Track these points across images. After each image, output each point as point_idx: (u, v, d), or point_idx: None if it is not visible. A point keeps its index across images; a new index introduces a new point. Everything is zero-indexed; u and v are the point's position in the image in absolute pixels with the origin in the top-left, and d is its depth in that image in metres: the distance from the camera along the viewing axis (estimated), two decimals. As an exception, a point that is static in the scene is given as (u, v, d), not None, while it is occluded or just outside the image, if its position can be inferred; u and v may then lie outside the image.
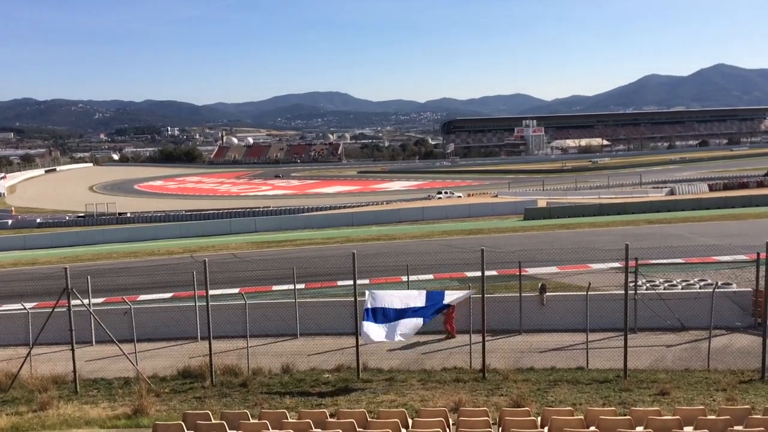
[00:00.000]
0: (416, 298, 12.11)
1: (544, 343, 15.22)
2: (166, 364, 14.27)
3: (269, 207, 66.10)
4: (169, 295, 22.42)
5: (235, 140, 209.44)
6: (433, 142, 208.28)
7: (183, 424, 7.29)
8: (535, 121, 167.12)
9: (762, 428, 5.93)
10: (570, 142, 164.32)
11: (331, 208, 60.69)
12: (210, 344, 12.35)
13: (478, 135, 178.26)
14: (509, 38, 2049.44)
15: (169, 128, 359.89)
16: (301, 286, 21.15)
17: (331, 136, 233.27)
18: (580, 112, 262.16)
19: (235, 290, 21.59)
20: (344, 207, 60.64)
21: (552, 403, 10.01)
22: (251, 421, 7.35)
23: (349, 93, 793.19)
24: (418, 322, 11.89)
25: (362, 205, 63.41)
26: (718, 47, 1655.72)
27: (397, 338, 12.05)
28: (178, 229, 48.50)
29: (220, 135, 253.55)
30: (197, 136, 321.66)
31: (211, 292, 12.76)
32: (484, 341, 12.42)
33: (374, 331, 11.87)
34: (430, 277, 23.43)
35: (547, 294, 17.27)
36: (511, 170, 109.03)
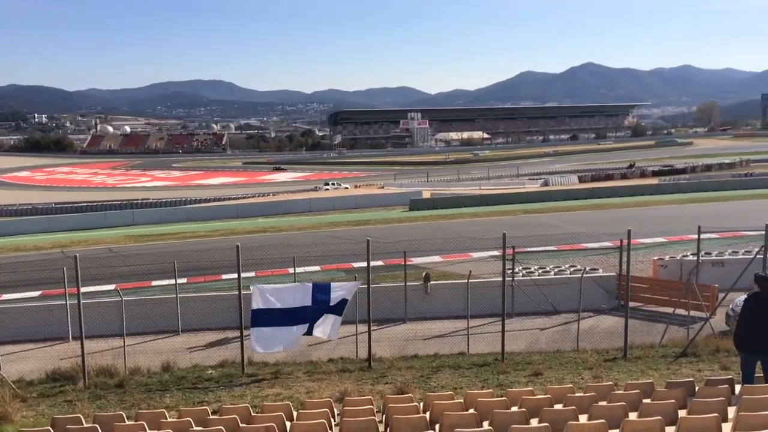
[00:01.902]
0: (303, 293, 11.99)
1: (428, 331, 15.64)
2: (33, 366, 13.32)
3: (149, 199, 63.23)
4: (37, 293, 20.92)
5: (110, 129, 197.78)
6: (320, 134, 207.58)
7: (51, 429, 6.84)
8: (420, 114, 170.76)
9: (623, 402, 6.41)
10: (453, 135, 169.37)
11: (215, 200, 58.99)
12: (82, 343, 11.65)
13: (365, 127, 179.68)
14: (395, 31, 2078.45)
15: (36, 115, 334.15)
16: (183, 280, 20.44)
17: (215, 126, 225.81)
18: (462, 106, 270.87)
19: (111, 286, 20.47)
20: (229, 199, 59.14)
21: (434, 388, 10.31)
22: (127, 423, 7.01)
23: (234, 82, 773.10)
24: (324, 328, 11.83)
25: (248, 197, 62.17)
26: (587, 47, 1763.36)
27: (290, 347, 12.00)
28: (47, 223, 45.20)
29: (93, 123, 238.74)
30: (68, 124, 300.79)
31: (85, 289, 12.05)
32: (369, 331, 12.57)
33: (269, 339, 11.64)
34: (317, 268, 23.39)
35: (431, 283, 17.75)
36: (397, 162, 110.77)
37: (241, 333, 12.07)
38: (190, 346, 14.86)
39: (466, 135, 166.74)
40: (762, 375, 8.21)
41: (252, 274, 21.55)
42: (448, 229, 33.49)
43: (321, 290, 11.97)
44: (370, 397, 7.96)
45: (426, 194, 52.21)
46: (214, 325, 15.94)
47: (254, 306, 11.62)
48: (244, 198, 60.24)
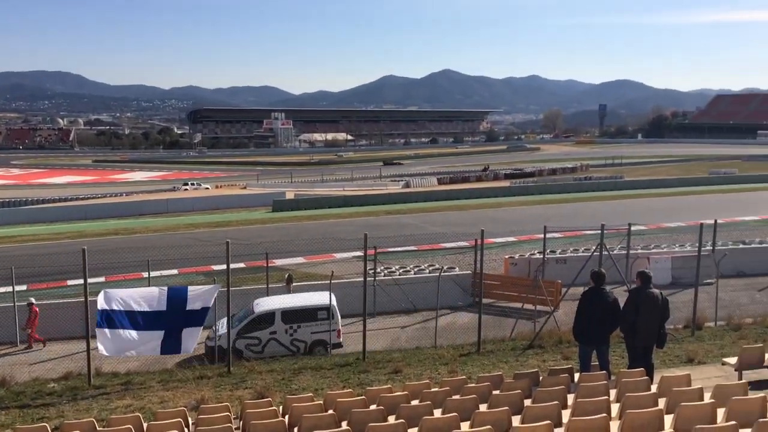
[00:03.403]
0: (157, 297, 11.42)
1: (291, 333, 15.48)
2: None
3: (-18, 199, 57.41)
4: None
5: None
6: (179, 132, 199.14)
7: None
8: (283, 114, 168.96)
9: (474, 395, 6.71)
10: (317, 136, 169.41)
11: (61, 200, 54.69)
12: None
13: (226, 126, 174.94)
14: (258, 30, 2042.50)
15: None
16: (23, 287, 18.85)
17: (61, 120, 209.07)
18: (326, 107, 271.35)
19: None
20: (77, 199, 55.09)
21: (296, 391, 10.22)
22: (-49, 447, 6.31)
23: (82, 74, 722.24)
24: (184, 334, 11.30)
25: (98, 197, 58.35)
26: (446, 55, 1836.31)
27: (149, 351, 11.39)
28: None
29: None
30: None
31: None
32: (229, 336, 12.24)
33: (118, 342, 10.97)
34: (175, 272, 22.46)
35: (293, 284, 17.62)
36: (261, 162, 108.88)
37: (88, 343, 11.26)
38: (30, 359, 13.68)
39: (330, 136, 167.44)
40: (597, 363, 8.94)
41: (102, 279, 20.26)
42: (311, 230, 33.43)
43: (177, 294, 11.46)
44: (227, 403, 7.74)
45: (290, 195, 51.80)
46: (59, 334, 14.80)
47: (100, 307, 10.94)
48: (93, 198, 56.47)
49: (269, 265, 17.71)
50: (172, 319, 11.28)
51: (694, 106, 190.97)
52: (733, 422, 5.03)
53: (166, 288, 11.65)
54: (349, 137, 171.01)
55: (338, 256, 24.20)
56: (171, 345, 11.35)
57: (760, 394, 6.26)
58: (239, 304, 15.13)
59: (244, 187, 65.09)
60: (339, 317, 14.54)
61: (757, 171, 63.51)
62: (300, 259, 24.53)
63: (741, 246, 21.94)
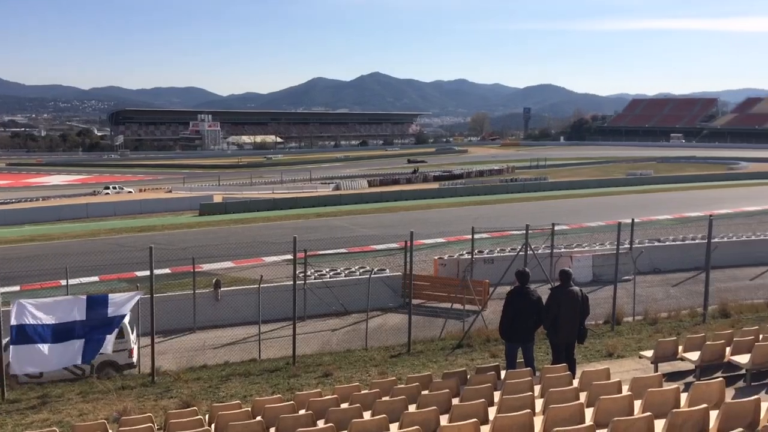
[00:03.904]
0: (75, 306, 10.94)
1: (219, 339, 15.19)
2: None
3: None
4: None
5: None
6: (99, 134, 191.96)
7: None
8: (210, 116, 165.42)
9: (403, 396, 6.75)
10: (246, 138, 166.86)
11: (-30, 205, 51.76)
12: None
13: (150, 127, 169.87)
14: (183, 29, 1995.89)
15: None
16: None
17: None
18: (255, 109, 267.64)
19: None
20: (-12, 204, 52.28)
21: (223, 398, 10.01)
22: None
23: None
24: (96, 345, 10.81)
25: (12, 202, 55.52)
26: (375, 57, 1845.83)
27: (64, 364, 10.88)
28: None
29: None
30: None
31: None
32: (153, 343, 11.86)
33: (29, 357, 10.43)
34: (96, 279, 21.60)
35: (221, 289, 17.29)
36: (187, 165, 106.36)
37: (0, 356, 10.69)
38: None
39: (259, 138, 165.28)
40: (522, 360, 9.18)
41: (16, 288, 19.24)
42: (240, 233, 32.86)
43: (97, 303, 11.02)
44: (150, 414, 7.49)
45: (217, 198, 50.75)
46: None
47: (13, 322, 10.37)
48: (7, 203, 53.69)
49: (196, 270, 17.30)
50: (93, 327, 10.84)
51: (613, 110, 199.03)
52: (649, 413, 5.26)
53: (84, 296, 11.19)
54: (279, 139, 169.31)
55: (268, 259, 23.88)
56: (91, 351, 10.90)
57: (674, 385, 6.56)
58: (164, 311, 14.70)
59: (170, 191, 63.40)
60: (132, 334, 12.96)
61: (670, 172, 66.81)
62: (228, 264, 24.07)
63: (656, 244, 22.97)
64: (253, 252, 24.75)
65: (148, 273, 11.77)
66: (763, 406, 5.67)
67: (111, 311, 10.99)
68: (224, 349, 14.46)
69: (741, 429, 4.63)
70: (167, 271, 21.16)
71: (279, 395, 8.67)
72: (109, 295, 11.43)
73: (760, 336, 9.54)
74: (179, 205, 48.52)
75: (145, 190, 65.15)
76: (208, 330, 15.87)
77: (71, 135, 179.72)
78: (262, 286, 14.86)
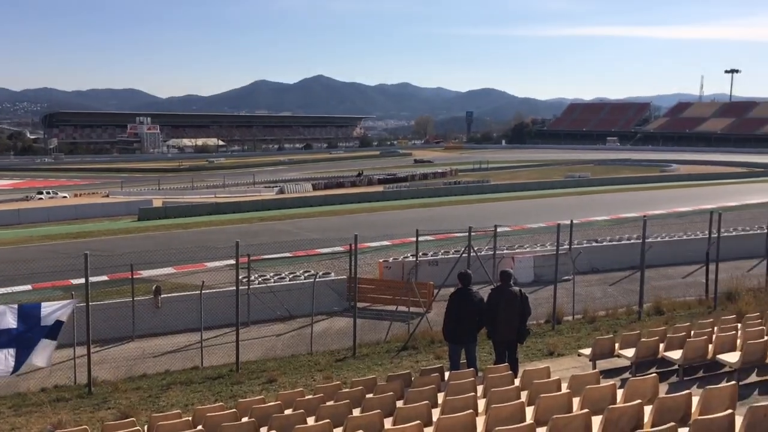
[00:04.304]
0: (6, 316, 10.47)
1: (160, 347, 14.82)
2: None
3: None
4: None
5: None
6: (32, 137, 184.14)
7: None
8: (149, 119, 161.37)
9: (348, 400, 6.73)
10: (187, 141, 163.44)
11: None
12: None
13: (86, 130, 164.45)
14: (120, 30, 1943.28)
15: None
16: None
17: None
18: (196, 112, 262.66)
19: None
20: None
21: (164, 408, 9.77)
22: None
23: None
24: (42, 356, 10.33)
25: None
26: (319, 61, 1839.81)
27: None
28: None
29: None
30: None
31: None
32: (89, 353, 11.47)
33: None
34: (29, 287, 20.73)
35: (162, 296, 16.88)
36: (125, 168, 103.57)
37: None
38: None
39: (200, 142, 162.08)
40: (466, 361, 9.29)
41: (-59, 298, 18.33)
42: (181, 238, 32.18)
43: (29, 311, 10.57)
44: (86, 426, 7.23)
45: (157, 203, 49.53)
46: None
47: None
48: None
49: (135, 276, 16.85)
50: (25, 336, 10.40)
51: (551, 114, 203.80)
52: (586, 410, 5.40)
53: (16, 305, 10.73)
54: (221, 143, 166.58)
55: (210, 265, 23.43)
56: (22, 361, 10.45)
57: (611, 381, 6.77)
58: (101, 319, 14.25)
59: (107, 196, 61.58)
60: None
61: (607, 174, 68.89)
62: (169, 270, 23.51)
63: (594, 244, 23.64)
64: (195, 257, 24.25)
65: (83, 280, 11.38)
66: (695, 400, 5.90)
67: (44, 319, 10.56)
68: (165, 357, 14.11)
69: (673, 423, 4.80)
70: (104, 278, 20.53)
71: (221, 403, 8.53)
72: (42, 303, 10.98)
73: (692, 332, 9.93)
74: (117, 210, 47.18)
75: (80, 195, 63.03)
76: (148, 338, 15.45)
77: (2, 138, 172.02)
78: (204, 291, 14.58)
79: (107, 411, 9.92)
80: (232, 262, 17.97)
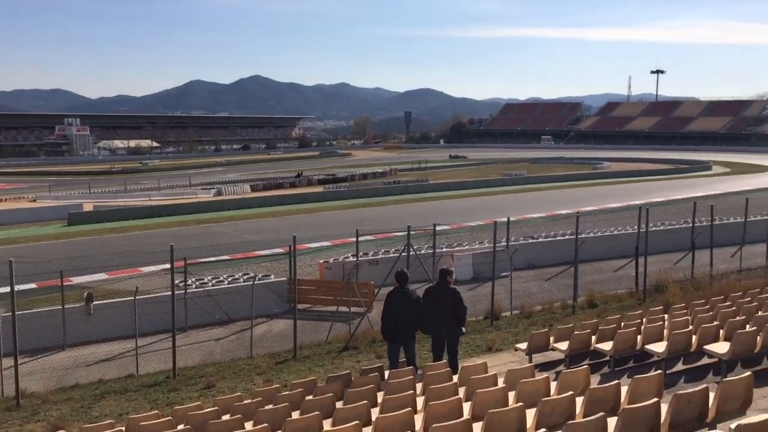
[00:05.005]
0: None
1: (92, 356, 14.34)
2: None
3: None
4: None
5: None
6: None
7: None
8: (79, 120, 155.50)
9: (287, 403, 6.68)
10: (119, 143, 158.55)
11: None
12: None
13: (11, 132, 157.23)
14: (44, 28, 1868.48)
15: None
16: None
17: None
18: (128, 113, 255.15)
19: None
20: None
21: (96, 418, 9.46)
22: None
23: None
24: None
25: None
26: (255, 60, 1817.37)
27: None
28: None
29: None
30: None
31: None
32: (16, 364, 10.99)
33: None
34: (-52, 298, 19.72)
35: (94, 303, 16.35)
36: (53, 172, 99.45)
37: None
38: None
39: (133, 143, 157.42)
40: (405, 360, 9.36)
41: None
42: (115, 243, 31.17)
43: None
44: (13, 441, 6.95)
45: (88, 207, 47.83)
46: None
47: None
48: None
49: (66, 283, 16.25)
50: None
51: (488, 114, 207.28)
52: (521, 403, 5.53)
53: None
54: (155, 144, 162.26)
55: (145, 269, 22.81)
56: None
57: (545, 374, 6.94)
58: (29, 329, 13.69)
59: (34, 200, 59.06)
60: None
61: (542, 172, 70.60)
62: (102, 276, 22.74)
63: (530, 241, 24.20)
64: (129, 262, 23.55)
65: (8, 289, 10.91)
66: (623, 389, 6.12)
67: None
68: (98, 366, 13.66)
69: (603, 413, 4.97)
70: (32, 286, 19.67)
71: (156, 411, 8.31)
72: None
73: (622, 324, 10.30)
74: (45, 215, 45.30)
75: (5, 200, 60.23)
76: (80, 347, 14.94)
77: None
78: (138, 297, 14.19)
79: (36, 424, 9.54)
80: (168, 266, 17.58)
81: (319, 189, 60.82)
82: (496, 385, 6.80)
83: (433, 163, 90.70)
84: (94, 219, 41.76)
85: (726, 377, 6.85)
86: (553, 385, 6.71)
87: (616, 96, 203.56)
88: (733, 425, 4.46)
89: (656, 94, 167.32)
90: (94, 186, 70.47)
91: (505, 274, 18.20)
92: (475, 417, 5.53)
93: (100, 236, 34.50)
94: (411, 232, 15.61)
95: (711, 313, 10.50)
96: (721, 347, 8.59)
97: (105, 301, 17.01)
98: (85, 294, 16.71)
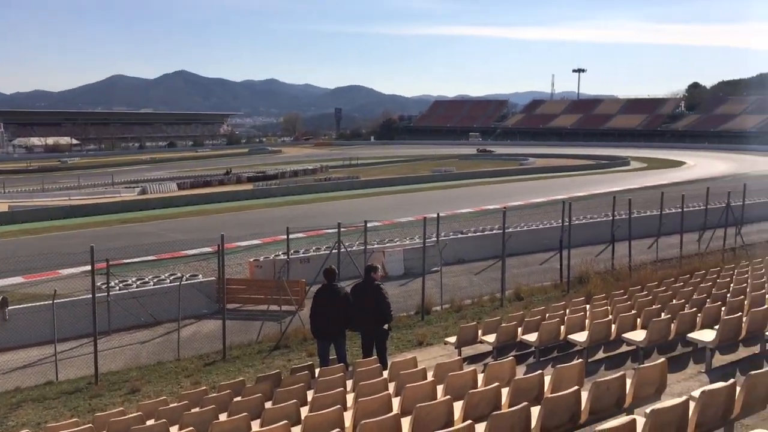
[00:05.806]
0: None
1: (8, 363, 13.67)
2: None
3: None
4: None
5: None
6: None
7: None
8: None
9: (214, 405, 6.55)
10: (35, 141, 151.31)
11: None
12: None
13: None
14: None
15: None
16: None
17: None
18: (45, 109, 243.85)
19: None
20: None
21: (12, 428, 9.02)
22: None
23: None
24: None
25: None
26: (180, 55, 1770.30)
27: None
28: None
29: None
30: None
31: None
32: None
33: None
34: None
35: (9, 308, 15.58)
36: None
37: None
38: None
39: (51, 141, 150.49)
40: (336, 357, 9.35)
41: None
42: (32, 245, 29.73)
43: None
44: None
45: (2, 207, 45.52)
46: None
47: None
48: None
49: (-24, 289, 15.42)
50: None
51: (418, 111, 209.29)
52: (449, 396, 5.61)
53: None
54: (75, 141, 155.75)
55: (65, 272, 21.89)
56: None
57: (473, 367, 7.07)
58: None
59: (-58, 201, 55.72)
60: None
61: (470, 168, 71.92)
62: (18, 279, 21.72)
63: (460, 236, 24.61)
64: (47, 265, 22.54)
65: None
66: (547, 379, 6.31)
67: None
68: (15, 373, 13.02)
69: (526, 402, 5.10)
70: (-60, 292, 18.59)
71: (76, 419, 7.99)
72: None
73: (546, 315, 10.61)
74: (-45, 217, 42.80)
75: None
76: (-5, 354, 14.21)
77: None
78: (57, 301, 13.58)
79: (-55, 438, 9.02)
80: (89, 267, 16.93)
81: (249, 187, 59.90)
82: (425, 379, 6.88)
83: (363, 160, 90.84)
84: (9, 220, 39.74)
85: (642, 364, 7.16)
86: (481, 377, 6.85)
87: (541, 94, 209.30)
88: (648, 410, 4.66)
89: (578, 93, 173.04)
90: (9, 185, 67.07)
91: (435, 269, 18.43)
92: (404, 412, 5.58)
93: (15, 238, 32.88)
94: (342, 229, 15.57)
95: (629, 302, 10.96)
96: (638, 335, 8.98)
97: (21, 306, 16.26)
98: (0, 298, 15.88)
